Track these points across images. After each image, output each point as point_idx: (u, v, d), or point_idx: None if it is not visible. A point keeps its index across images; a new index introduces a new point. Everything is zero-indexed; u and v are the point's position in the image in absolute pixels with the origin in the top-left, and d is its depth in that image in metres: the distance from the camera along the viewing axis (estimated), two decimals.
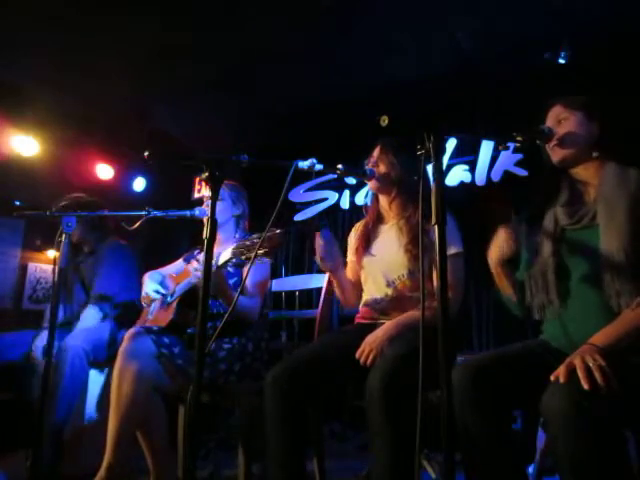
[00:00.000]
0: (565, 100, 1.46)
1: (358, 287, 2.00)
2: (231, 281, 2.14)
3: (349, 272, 2.03)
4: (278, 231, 1.64)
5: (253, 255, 1.56)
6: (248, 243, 1.66)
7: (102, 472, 1.84)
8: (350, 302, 2.02)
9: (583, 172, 1.44)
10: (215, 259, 1.87)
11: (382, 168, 1.90)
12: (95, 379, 2.41)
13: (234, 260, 1.79)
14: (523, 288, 1.49)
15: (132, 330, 1.98)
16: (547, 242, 1.42)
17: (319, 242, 1.83)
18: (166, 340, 1.97)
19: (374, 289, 1.90)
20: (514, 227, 1.48)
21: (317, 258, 1.85)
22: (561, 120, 1.43)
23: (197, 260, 1.94)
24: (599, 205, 1.35)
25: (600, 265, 1.30)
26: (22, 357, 2.49)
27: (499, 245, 1.49)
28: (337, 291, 2.01)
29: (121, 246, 2.73)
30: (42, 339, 2.40)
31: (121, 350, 1.92)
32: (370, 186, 1.96)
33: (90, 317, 2.50)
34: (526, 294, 1.47)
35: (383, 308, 1.86)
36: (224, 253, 1.81)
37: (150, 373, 1.90)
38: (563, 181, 1.48)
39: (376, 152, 1.95)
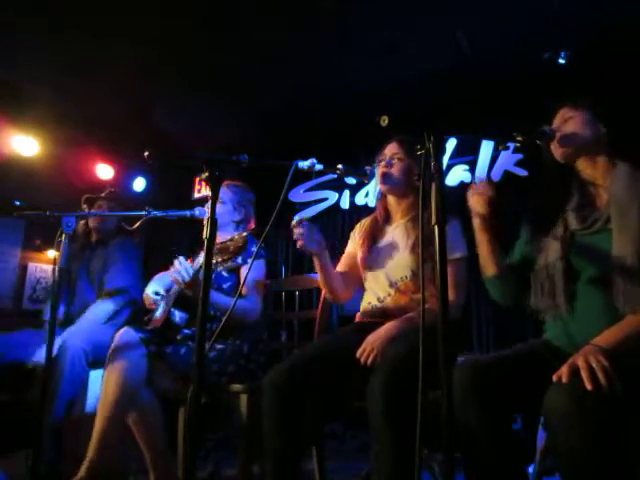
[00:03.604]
0: (572, 101, 1.45)
1: (350, 279, 1.98)
2: (225, 285, 2.14)
3: (342, 266, 2.02)
4: (244, 234, 1.67)
5: (224, 259, 1.60)
6: (219, 246, 1.69)
7: (82, 471, 1.81)
8: (338, 294, 1.95)
9: (591, 172, 1.43)
10: (195, 262, 1.90)
11: (395, 171, 1.87)
12: (98, 379, 2.40)
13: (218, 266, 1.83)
14: (510, 272, 1.49)
15: (121, 330, 1.98)
16: (555, 245, 1.40)
17: (298, 230, 1.74)
18: (157, 339, 1.96)
19: (376, 289, 1.90)
20: (482, 185, 1.45)
21: (298, 245, 1.75)
22: (567, 119, 1.43)
23: (179, 261, 1.93)
24: (612, 209, 1.33)
25: (611, 269, 1.29)
26: (25, 356, 2.48)
27: (475, 199, 1.45)
28: (322, 281, 1.91)
29: (131, 242, 2.74)
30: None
31: (110, 350, 1.93)
32: (380, 187, 1.93)
33: (100, 309, 2.49)
34: (531, 296, 1.46)
35: (385, 309, 1.85)
36: (199, 257, 1.83)
37: (139, 373, 1.89)
38: (572, 183, 1.47)
39: (392, 151, 1.90)
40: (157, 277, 2.29)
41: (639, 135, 1.42)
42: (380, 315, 1.85)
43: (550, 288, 1.40)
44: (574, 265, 1.38)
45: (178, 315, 2.10)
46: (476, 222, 1.48)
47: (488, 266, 1.50)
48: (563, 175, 1.48)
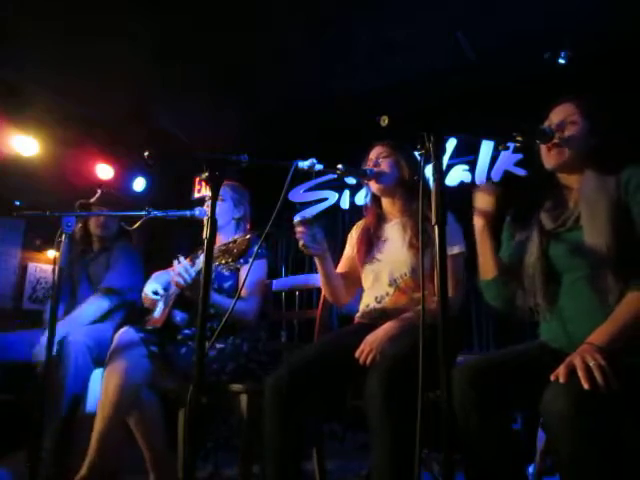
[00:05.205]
0: (578, 101, 1.44)
1: (351, 281, 1.99)
2: (226, 284, 2.14)
3: (342, 267, 2.03)
4: (248, 236, 1.66)
5: (228, 261, 1.59)
6: (223, 248, 1.68)
7: (84, 470, 1.82)
8: (339, 297, 1.98)
9: (568, 177, 1.46)
10: (196, 264, 1.89)
11: (386, 168, 1.89)
12: (98, 377, 2.40)
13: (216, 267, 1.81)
14: (507, 274, 1.49)
15: (121, 330, 1.98)
16: (534, 245, 1.43)
17: (300, 229, 1.73)
18: (157, 339, 1.96)
19: (376, 287, 1.90)
20: (489, 185, 1.48)
21: (300, 245, 1.73)
22: (570, 121, 1.41)
23: (179, 262, 1.94)
24: (582, 207, 1.36)
25: (587, 264, 1.32)
26: (25, 356, 2.47)
27: (482, 198, 1.48)
28: (324, 283, 1.93)
29: (132, 247, 2.75)
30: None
31: (110, 351, 1.93)
32: (373, 188, 1.94)
33: (95, 305, 2.47)
34: (518, 296, 1.47)
35: (384, 309, 1.85)
36: (200, 258, 1.82)
37: (140, 373, 1.89)
38: (550, 184, 1.49)
39: (377, 153, 1.94)
40: (155, 276, 2.29)
41: (625, 148, 1.42)
42: (379, 315, 1.85)
43: (531, 288, 1.42)
44: (556, 265, 1.40)
45: (179, 315, 2.10)
46: (479, 223, 1.50)
47: (489, 269, 1.50)
48: (546, 176, 1.49)
